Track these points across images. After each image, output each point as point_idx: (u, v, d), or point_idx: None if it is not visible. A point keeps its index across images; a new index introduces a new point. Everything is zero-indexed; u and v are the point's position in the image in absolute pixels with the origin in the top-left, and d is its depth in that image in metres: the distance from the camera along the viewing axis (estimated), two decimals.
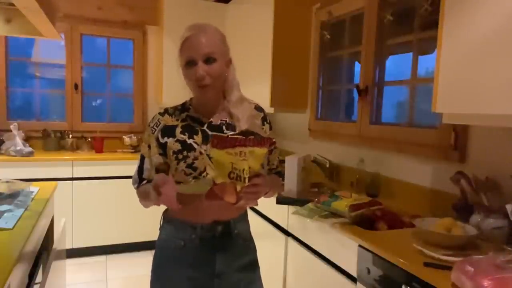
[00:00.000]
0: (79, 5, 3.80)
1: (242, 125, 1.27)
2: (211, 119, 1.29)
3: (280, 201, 2.12)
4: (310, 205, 1.98)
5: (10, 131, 3.39)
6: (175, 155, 1.23)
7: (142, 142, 1.33)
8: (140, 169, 1.31)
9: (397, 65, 2.42)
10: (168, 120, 1.28)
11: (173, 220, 1.30)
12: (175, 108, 1.32)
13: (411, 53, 2.16)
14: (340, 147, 2.72)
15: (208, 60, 1.19)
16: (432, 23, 1.81)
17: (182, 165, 1.22)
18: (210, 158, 1.14)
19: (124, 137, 3.88)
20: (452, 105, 1.46)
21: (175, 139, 1.25)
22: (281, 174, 1.50)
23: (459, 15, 1.41)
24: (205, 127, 1.27)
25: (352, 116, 2.78)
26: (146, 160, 1.30)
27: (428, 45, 2.04)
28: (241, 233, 1.33)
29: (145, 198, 1.28)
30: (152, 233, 3.56)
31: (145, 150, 1.30)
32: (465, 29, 1.39)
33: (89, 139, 3.83)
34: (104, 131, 3.95)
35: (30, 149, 3.37)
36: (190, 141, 1.24)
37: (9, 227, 1.54)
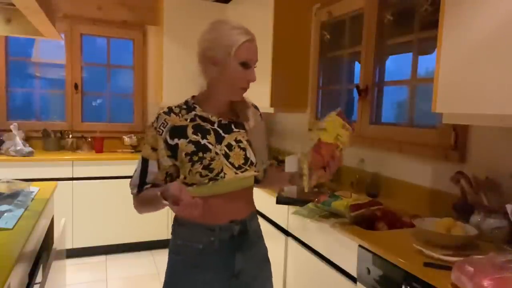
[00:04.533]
0: (79, 5, 3.80)
1: (251, 124, 1.30)
2: (220, 118, 1.28)
3: (280, 201, 2.12)
4: (310, 205, 1.98)
5: (10, 131, 3.39)
6: (188, 157, 1.19)
7: (144, 144, 1.25)
8: (143, 173, 1.24)
9: (397, 65, 2.42)
10: (176, 120, 1.23)
11: (188, 223, 1.25)
12: (179, 107, 1.27)
13: (411, 53, 2.16)
14: None
15: (254, 66, 1.24)
16: (432, 23, 1.81)
17: (198, 167, 1.18)
18: (323, 120, 1.32)
19: (124, 137, 3.88)
20: (452, 105, 1.46)
21: (188, 140, 1.20)
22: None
23: (459, 15, 1.41)
24: (215, 126, 1.26)
25: (352, 116, 2.78)
26: (152, 163, 1.23)
27: (428, 45, 2.04)
28: (255, 230, 1.34)
29: (146, 204, 1.23)
30: (152, 233, 3.60)
31: (149, 152, 1.23)
32: (465, 29, 1.39)
33: (89, 139, 3.83)
34: (104, 131, 3.95)
35: (30, 149, 3.37)
36: (204, 141, 1.21)
37: (9, 227, 1.54)
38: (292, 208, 2.07)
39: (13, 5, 1.86)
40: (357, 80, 2.60)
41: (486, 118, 1.37)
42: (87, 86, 4.00)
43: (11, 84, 3.76)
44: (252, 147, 1.29)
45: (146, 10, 4.01)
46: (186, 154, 1.19)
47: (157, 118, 1.24)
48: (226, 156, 1.23)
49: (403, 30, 2.24)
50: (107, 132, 3.95)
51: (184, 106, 1.28)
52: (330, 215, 1.85)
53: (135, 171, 1.27)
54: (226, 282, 1.26)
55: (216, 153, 1.21)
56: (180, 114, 1.25)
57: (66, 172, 3.35)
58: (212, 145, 1.22)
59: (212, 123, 1.26)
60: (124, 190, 3.68)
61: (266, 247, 1.41)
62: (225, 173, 1.21)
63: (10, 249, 1.33)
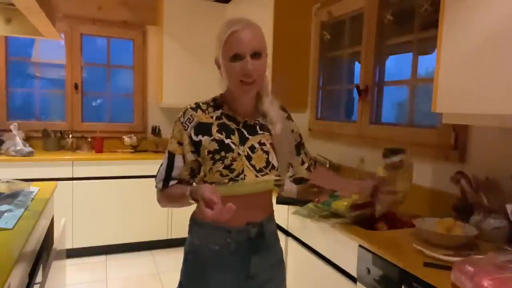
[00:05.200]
0: (79, 5, 3.80)
1: (277, 129, 1.25)
2: (246, 119, 1.25)
3: (280, 201, 2.12)
4: (310, 205, 1.98)
5: (10, 131, 3.39)
6: (210, 155, 1.18)
7: (171, 138, 1.25)
8: (170, 167, 1.23)
9: (397, 65, 2.42)
10: (202, 117, 1.22)
11: (205, 224, 1.24)
12: (207, 103, 1.25)
13: (411, 53, 2.16)
14: (340, 147, 2.72)
15: (255, 55, 1.15)
16: (432, 23, 1.81)
17: (219, 166, 1.17)
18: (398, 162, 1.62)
19: (124, 137, 3.88)
20: (452, 105, 1.46)
21: (211, 138, 1.19)
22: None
23: (459, 15, 1.41)
24: (240, 127, 1.24)
25: (352, 116, 2.78)
26: (178, 157, 1.22)
27: (428, 45, 2.04)
28: (272, 232, 1.32)
29: (172, 200, 1.23)
30: (152, 233, 3.60)
31: (175, 147, 1.22)
32: (465, 29, 1.39)
33: (89, 139, 3.82)
34: (104, 131, 3.95)
35: (30, 149, 3.37)
36: (227, 141, 1.20)
37: (9, 227, 1.54)
38: (292, 208, 2.07)
39: (13, 5, 1.86)
40: (357, 80, 2.60)
41: (486, 118, 1.37)
42: (87, 86, 3.99)
43: (11, 84, 3.76)
44: (275, 151, 1.26)
45: (146, 10, 4.01)
46: (209, 152, 1.18)
47: (184, 113, 1.23)
48: (248, 158, 1.21)
49: (403, 30, 2.24)
50: (107, 132, 3.95)
51: (212, 103, 1.26)
52: (330, 215, 1.85)
53: (161, 165, 1.26)
54: (241, 283, 1.25)
55: (239, 154, 1.20)
56: (207, 111, 1.23)
57: (66, 172, 3.35)
58: (236, 145, 1.20)
59: (238, 123, 1.24)
60: (124, 190, 3.69)
61: (281, 249, 1.39)
62: (245, 175, 1.19)
63: (10, 249, 1.33)
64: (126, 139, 3.86)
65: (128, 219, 3.53)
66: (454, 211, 1.70)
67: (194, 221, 1.29)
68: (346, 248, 1.66)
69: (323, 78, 3.00)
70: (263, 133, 1.26)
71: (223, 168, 1.17)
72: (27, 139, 3.55)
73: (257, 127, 1.26)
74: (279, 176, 1.28)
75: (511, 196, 1.53)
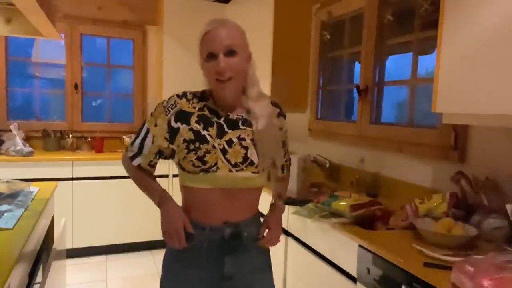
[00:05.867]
0: (79, 5, 3.80)
1: (260, 124, 1.24)
2: (229, 113, 1.25)
3: None
4: (310, 205, 1.98)
5: (10, 131, 3.39)
6: (185, 144, 1.20)
7: (151, 115, 1.27)
8: (142, 142, 1.26)
9: (397, 65, 2.42)
10: (185, 105, 1.24)
11: None
12: (194, 94, 1.27)
13: (411, 53, 2.16)
14: (340, 147, 2.72)
15: (229, 52, 1.16)
16: (432, 23, 1.81)
17: (192, 156, 1.18)
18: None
19: (124, 137, 3.88)
20: (452, 105, 1.46)
21: (189, 127, 1.21)
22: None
23: (459, 15, 1.41)
24: (221, 120, 1.24)
25: (352, 116, 2.78)
26: (150, 136, 1.25)
27: (428, 45, 2.04)
28: (252, 235, 1.29)
29: (142, 186, 1.31)
30: (152, 233, 3.60)
31: (151, 125, 1.25)
32: (465, 29, 1.39)
33: (89, 139, 3.83)
34: (104, 131, 3.95)
35: (30, 149, 3.37)
36: (204, 132, 1.21)
37: (9, 227, 1.54)
38: (292, 208, 2.07)
39: (13, 5, 1.86)
40: (357, 80, 2.60)
41: (486, 118, 1.37)
42: (87, 86, 3.99)
43: (11, 84, 3.76)
44: (257, 148, 1.24)
45: (146, 10, 4.01)
46: (184, 141, 1.20)
47: (169, 98, 1.26)
48: (224, 152, 1.20)
49: (403, 30, 2.24)
50: (107, 132, 3.95)
51: (199, 95, 1.28)
52: (330, 215, 1.85)
53: (137, 136, 1.28)
54: (216, 283, 1.24)
55: (214, 147, 1.20)
56: (191, 101, 1.25)
57: (66, 172, 3.35)
58: (212, 138, 1.21)
59: (219, 117, 1.24)
60: (124, 190, 3.67)
61: (267, 254, 1.36)
62: (217, 168, 1.19)
63: (10, 249, 1.33)
64: (126, 139, 3.86)
65: (128, 219, 3.53)
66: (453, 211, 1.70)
67: None
68: (346, 248, 1.66)
69: (323, 78, 3.00)
70: (244, 129, 1.25)
71: (195, 159, 1.18)
72: (27, 139, 3.55)
73: (239, 122, 1.25)
74: (257, 173, 1.23)
75: (511, 196, 1.53)
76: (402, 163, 2.18)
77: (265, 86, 2.93)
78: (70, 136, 3.80)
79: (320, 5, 2.93)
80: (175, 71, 3.67)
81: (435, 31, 1.52)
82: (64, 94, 3.90)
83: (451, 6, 1.44)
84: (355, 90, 2.52)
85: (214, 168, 1.19)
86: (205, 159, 1.18)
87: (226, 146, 1.21)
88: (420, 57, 2.12)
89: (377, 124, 2.42)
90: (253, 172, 1.23)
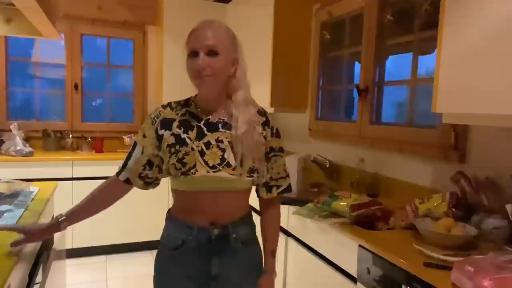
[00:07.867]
0: (79, 5, 3.80)
1: (240, 128, 1.22)
2: (209, 116, 1.27)
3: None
4: (310, 205, 1.98)
5: (10, 131, 3.39)
6: (168, 148, 1.24)
7: (140, 131, 1.32)
8: (128, 157, 1.31)
9: (397, 65, 2.42)
10: (168, 113, 1.29)
11: (174, 218, 1.30)
12: (178, 102, 1.32)
13: (411, 53, 2.16)
14: (340, 147, 2.72)
15: (211, 52, 1.18)
16: (432, 23, 1.81)
17: (173, 159, 1.22)
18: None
19: (124, 137, 3.88)
20: (452, 105, 1.46)
21: (171, 133, 1.25)
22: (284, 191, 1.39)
23: (459, 15, 1.41)
24: (201, 124, 1.26)
25: (352, 116, 2.78)
26: (138, 148, 1.29)
27: (428, 45, 2.04)
28: (241, 237, 1.28)
29: (93, 194, 1.45)
30: (152, 233, 3.58)
31: (140, 138, 1.29)
32: (465, 29, 1.39)
33: (89, 139, 3.82)
34: (104, 131, 3.95)
35: (30, 149, 3.36)
36: (184, 135, 1.24)
37: None
38: (292, 208, 2.07)
39: (13, 5, 1.86)
40: (357, 80, 2.60)
41: (486, 118, 1.37)
42: (87, 86, 3.99)
43: (11, 84, 3.76)
44: (233, 150, 1.22)
45: (146, 10, 4.01)
46: (167, 145, 1.24)
47: (155, 110, 1.31)
48: (201, 154, 1.22)
49: (403, 30, 2.24)
50: (107, 132, 3.95)
51: (183, 102, 1.32)
52: (330, 215, 1.85)
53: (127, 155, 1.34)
54: (204, 283, 1.25)
55: (192, 149, 1.22)
56: (175, 109, 1.30)
57: (66, 172, 3.35)
58: (191, 140, 1.23)
59: (200, 120, 1.27)
60: None
61: (259, 254, 1.35)
62: (196, 170, 1.21)
63: (10, 249, 1.33)
64: (126, 139, 3.86)
65: (128, 219, 3.53)
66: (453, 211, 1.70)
67: (167, 215, 1.35)
68: (346, 248, 1.66)
69: (323, 78, 3.00)
70: (224, 131, 1.25)
71: (176, 161, 1.21)
72: (27, 139, 3.55)
73: (219, 125, 1.26)
74: (234, 174, 1.21)
75: (511, 196, 1.53)
76: (402, 163, 2.18)
77: (265, 86, 2.93)
78: (70, 136, 3.80)
79: (320, 5, 2.93)
80: (175, 71, 3.65)
81: (435, 31, 1.52)
82: (64, 94, 3.90)
83: (451, 6, 1.44)
84: (355, 90, 2.52)
85: (193, 170, 1.21)
86: (184, 160, 1.21)
87: (204, 148, 1.23)
88: (420, 57, 2.12)
89: (377, 124, 2.42)
90: (230, 174, 1.22)
